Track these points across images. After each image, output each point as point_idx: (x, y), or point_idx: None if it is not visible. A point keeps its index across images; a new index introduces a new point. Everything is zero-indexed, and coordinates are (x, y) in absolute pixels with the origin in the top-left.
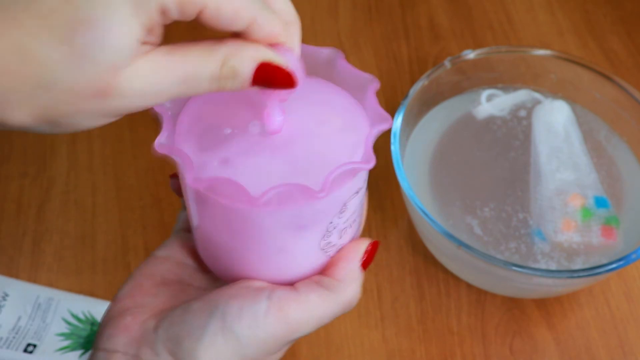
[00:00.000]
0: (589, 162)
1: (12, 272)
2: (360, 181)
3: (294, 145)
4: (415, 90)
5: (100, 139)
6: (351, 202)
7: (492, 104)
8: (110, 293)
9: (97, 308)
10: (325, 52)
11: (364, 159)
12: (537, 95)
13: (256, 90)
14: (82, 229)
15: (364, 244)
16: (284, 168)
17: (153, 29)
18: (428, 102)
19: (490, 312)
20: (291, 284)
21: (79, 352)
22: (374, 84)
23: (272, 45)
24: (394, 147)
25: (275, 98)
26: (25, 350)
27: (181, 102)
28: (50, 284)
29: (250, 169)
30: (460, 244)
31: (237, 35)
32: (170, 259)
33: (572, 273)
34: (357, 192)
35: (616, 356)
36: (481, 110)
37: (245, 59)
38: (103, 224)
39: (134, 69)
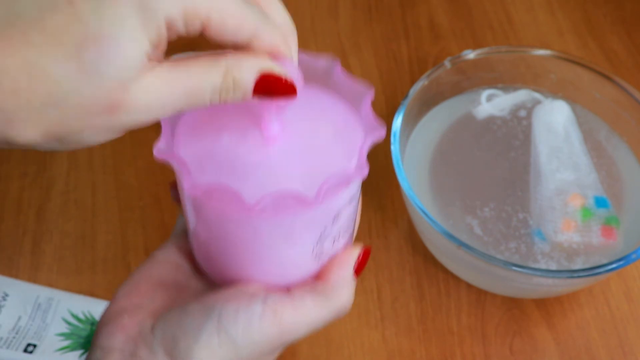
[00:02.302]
0: (589, 162)
1: (12, 272)
2: (353, 190)
3: (289, 154)
4: (415, 90)
5: None
6: (345, 210)
7: (492, 104)
8: (110, 293)
9: (97, 308)
10: (322, 61)
11: (357, 169)
12: (537, 95)
13: (255, 100)
14: (82, 229)
15: (356, 251)
16: (280, 176)
17: (160, 44)
18: (428, 102)
19: (490, 312)
20: (284, 288)
21: (79, 352)
22: (369, 94)
23: (272, 56)
24: (394, 147)
25: (274, 107)
26: (25, 350)
27: None
28: (50, 284)
29: (247, 176)
30: (460, 244)
31: (238, 48)
32: (168, 261)
33: (572, 273)
34: (351, 201)
35: (616, 356)
36: (481, 110)
37: (246, 71)
38: (103, 224)
39: (141, 85)
